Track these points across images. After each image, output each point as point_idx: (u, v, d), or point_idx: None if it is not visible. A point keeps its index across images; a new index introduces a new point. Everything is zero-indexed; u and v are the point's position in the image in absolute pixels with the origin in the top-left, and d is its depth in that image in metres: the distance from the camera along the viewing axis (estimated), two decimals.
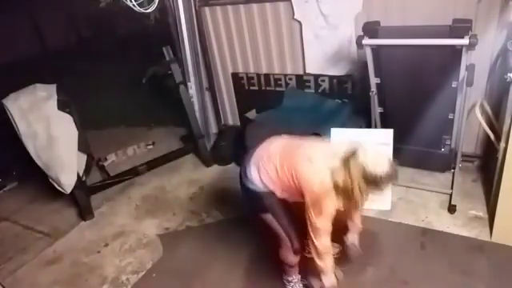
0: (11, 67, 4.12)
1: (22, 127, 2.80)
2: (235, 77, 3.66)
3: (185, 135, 4.08)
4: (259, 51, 3.41)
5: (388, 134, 2.65)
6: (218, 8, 3.39)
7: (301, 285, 2.17)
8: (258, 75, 3.52)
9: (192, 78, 3.55)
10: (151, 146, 4.13)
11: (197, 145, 3.68)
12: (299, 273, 2.15)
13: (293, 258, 2.01)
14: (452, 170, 2.79)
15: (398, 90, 2.70)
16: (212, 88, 3.82)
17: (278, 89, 3.48)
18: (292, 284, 2.15)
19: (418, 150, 2.87)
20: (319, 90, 3.33)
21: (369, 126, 2.90)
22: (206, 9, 3.45)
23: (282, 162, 1.80)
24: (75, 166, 2.93)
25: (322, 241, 1.79)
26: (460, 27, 2.28)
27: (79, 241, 2.84)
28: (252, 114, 3.43)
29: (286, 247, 1.97)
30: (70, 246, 2.80)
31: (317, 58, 3.18)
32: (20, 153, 2.86)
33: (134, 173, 3.56)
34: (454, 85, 2.52)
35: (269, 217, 1.90)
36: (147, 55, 3.59)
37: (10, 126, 2.82)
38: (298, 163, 1.75)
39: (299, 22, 3.10)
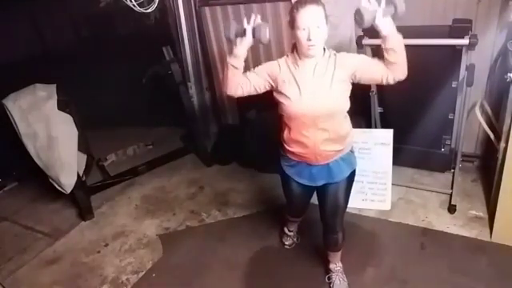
0: (11, 67, 4.10)
1: (21, 127, 2.79)
2: None
3: (185, 135, 4.08)
4: (259, 51, 3.41)
5: (388, 133, 2.65)
6: (218, 8, 3.38)
7: (294, 239, 2.47)
8: None
9: (192, 78, 3.55)
10: (151, 146, 4.13)
11: (197, 145, 3.68)
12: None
13: (287, 216, 2.32)
14: (452, 170, 2.79)
15: (397, 90, 2.69)
16: (212, 88, 3.82)
17: None
18: (285, 236, 2.47)
19: (418, 150, 2.88)
20: None
21: (369, 125, 2.89)
22: (206, 9, 3.44)
23: None
24: (75, 166, 2.93)
25: None
26: (460, 27, 2.29)
27: (79, 241, 2.83)
28: (252, 114, 3.42)
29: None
30: (70, 245, 2.80)
31: None
32: (20, 153, 2.85)
33: (133, 173, 3.57)
34: (453, 85, 2.52)
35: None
36: (147, 55, 3.59)
37: (10, 126, 2.81)
38: None
39: None
